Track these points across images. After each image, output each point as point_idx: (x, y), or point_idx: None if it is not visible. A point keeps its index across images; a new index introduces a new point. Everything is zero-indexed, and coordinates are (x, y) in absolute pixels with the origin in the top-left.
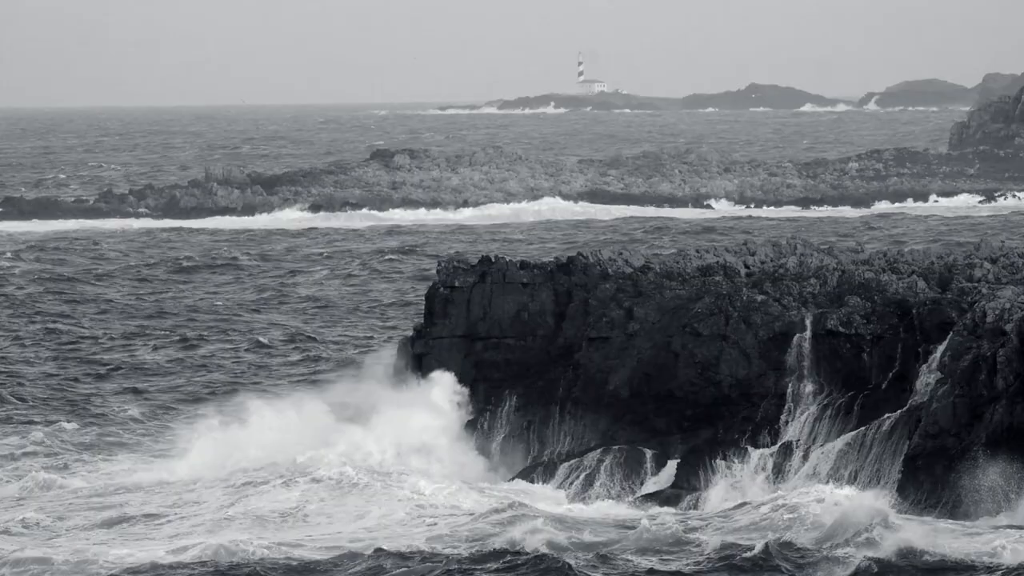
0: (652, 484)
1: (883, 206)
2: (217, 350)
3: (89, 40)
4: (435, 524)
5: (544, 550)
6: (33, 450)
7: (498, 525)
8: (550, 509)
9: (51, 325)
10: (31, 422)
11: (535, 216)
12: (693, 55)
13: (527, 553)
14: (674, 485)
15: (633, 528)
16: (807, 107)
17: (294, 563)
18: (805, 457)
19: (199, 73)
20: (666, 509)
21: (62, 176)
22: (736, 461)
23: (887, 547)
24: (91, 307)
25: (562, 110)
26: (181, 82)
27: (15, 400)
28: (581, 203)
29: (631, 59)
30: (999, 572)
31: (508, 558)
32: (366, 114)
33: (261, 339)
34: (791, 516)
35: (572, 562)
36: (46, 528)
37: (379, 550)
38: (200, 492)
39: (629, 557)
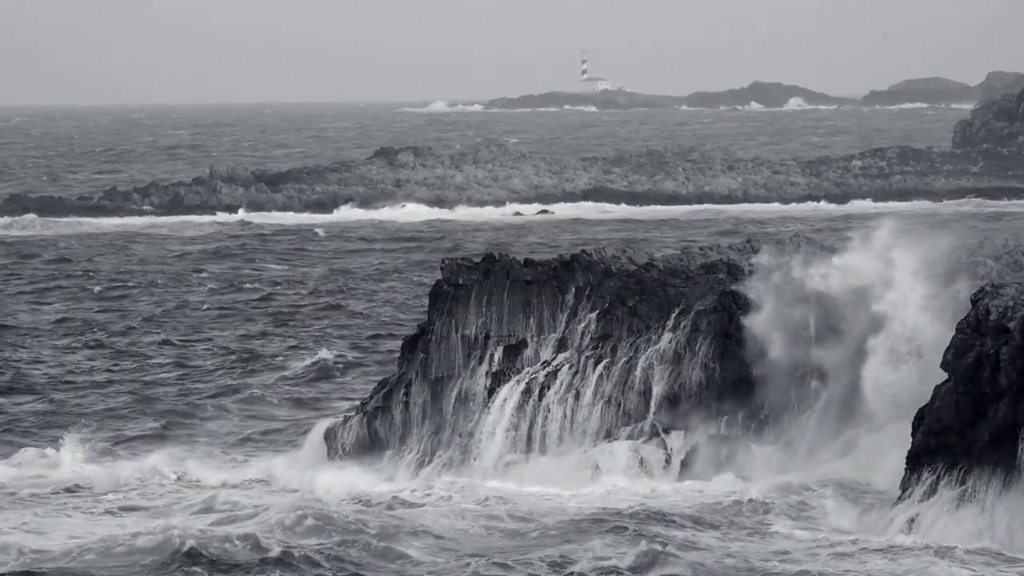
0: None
1: (886, 204)
2: (215, 350)
3: (89, 40)
4: None
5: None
6: None
7: None
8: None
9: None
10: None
11: (539, 214)
12: (696, 53)
13: None
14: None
15: None
16: (811, 105)
17: None
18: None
19: (199, 73)
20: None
21: (66, 174)
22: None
23: None
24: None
25: (566, 108)
26: (182, 82)
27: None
28: (585, 201)
29: (634, 57)
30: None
31: None
32: (371, 112)
33: (260, 338)
34: None
35: None
36: None
37: None
38: None
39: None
